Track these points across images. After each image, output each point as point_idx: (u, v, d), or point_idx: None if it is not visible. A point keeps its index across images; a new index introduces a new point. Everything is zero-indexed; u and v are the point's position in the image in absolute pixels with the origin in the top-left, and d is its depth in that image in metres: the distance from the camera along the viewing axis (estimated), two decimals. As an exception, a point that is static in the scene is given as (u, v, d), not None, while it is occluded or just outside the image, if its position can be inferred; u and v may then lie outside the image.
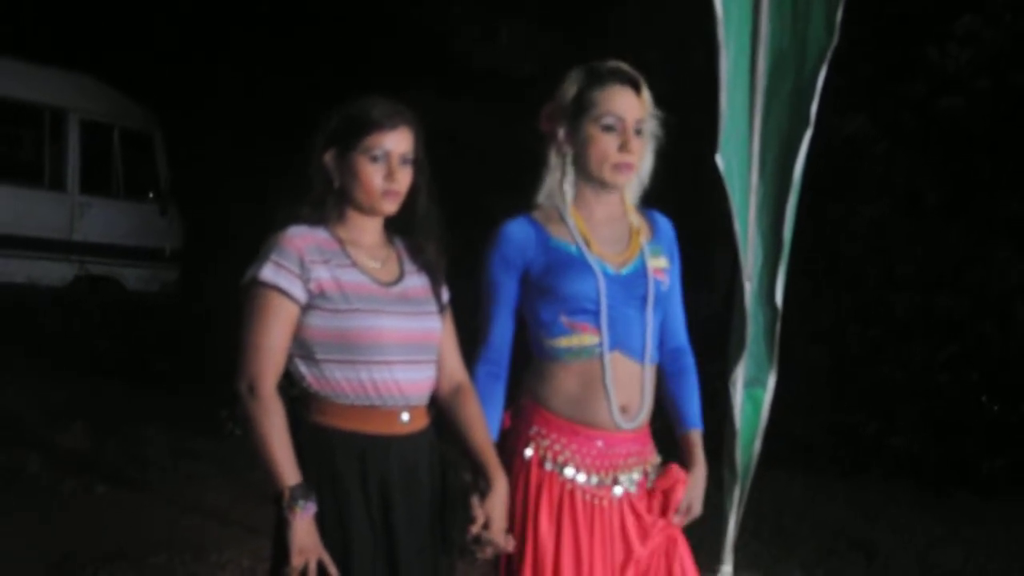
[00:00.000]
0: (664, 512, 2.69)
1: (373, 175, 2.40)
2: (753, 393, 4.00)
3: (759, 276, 3.96)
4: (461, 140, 7.92)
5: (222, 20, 11.71)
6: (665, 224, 2.80)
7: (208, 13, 11.71)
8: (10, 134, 9.91)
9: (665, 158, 2.75)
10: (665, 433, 2.79)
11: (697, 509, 2.77)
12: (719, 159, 3.83)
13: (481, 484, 2.51)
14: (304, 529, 2.31)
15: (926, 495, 7.42)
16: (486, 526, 2.47)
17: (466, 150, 8.06)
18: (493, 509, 2.48)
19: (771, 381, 4.01)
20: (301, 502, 2.30)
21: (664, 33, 7.60)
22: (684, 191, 3.73)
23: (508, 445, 2.64)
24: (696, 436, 2.79)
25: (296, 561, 2.30)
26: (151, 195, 10.75)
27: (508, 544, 2.53)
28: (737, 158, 3.90)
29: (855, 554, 6.01)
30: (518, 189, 2.72)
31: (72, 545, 5.29)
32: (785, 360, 4.07)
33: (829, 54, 3.83)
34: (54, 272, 9.82)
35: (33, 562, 5.03)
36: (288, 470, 2.31)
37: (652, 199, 2.80)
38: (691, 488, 2.73)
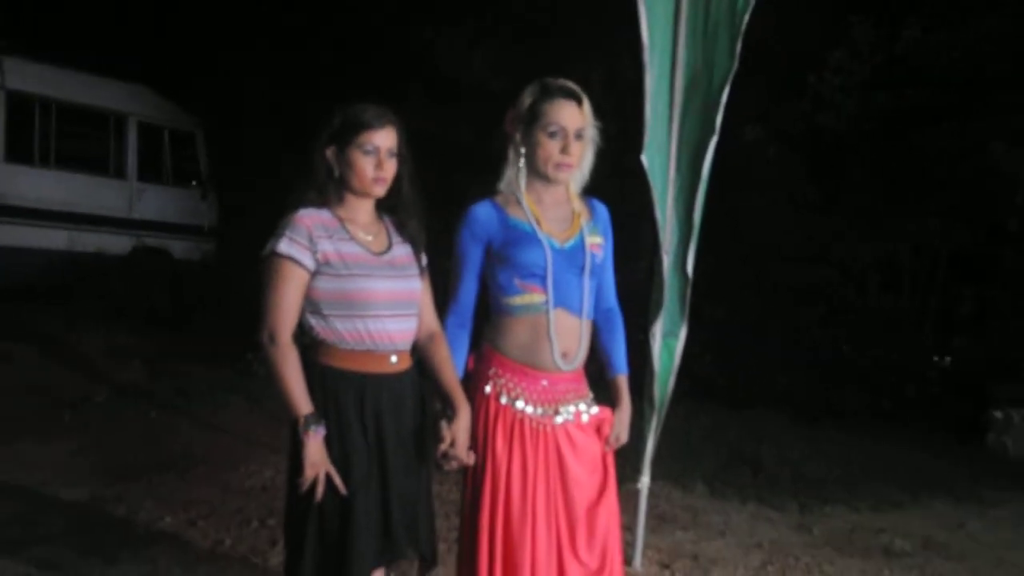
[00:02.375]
0: (599, 437, 2.71)
1: (366, 166, 2.42)
2: (668, 343, 4.02)
3: (674, 251, 3.98)
4: (445, 140, 7.86)
5: (253, 44, 11.64)
6: (602, 209, 2.79)
7: (243, 39, 11.66)
8: (83, 133, 9.83)
9: (604, 156, 2.74)
10: (598, 375, 2.79)
11: (624, 438, 2.77)
12: (643, 158, 3.85)
13: (448, 412, 2.52)
14: (315, 448, 2.32)
15: (800, 423, 7.51)
16: (452, 445, 2.49)
17: (449, 148, 8.01)
18: (458, 432, 2.49)
19: (683, 333, 4.04)
20: (313, 427, 2.33)
21: (604, 57, 7.58)
22: (619, 182, 3.72)
23: (472, 383, 2.65)
24: (623, 380, 2.80)
25: (308, 473, 2.32)
26: (193, 183, 10.70)
27: (469, 459, 2.55)
28: (658, 157, 3.91)
29: (744, 468, 6.08)
30: (489, 181, 2.69)
31: (131, 458, 5.29)
32: (694, 317, 4.09)
33: (731, 76, 3.84)
34: (117, 243, 9.77)
35: (100, 471, 5.03)
36: (302, 402, 2.34)
37: (594, 188, 2.79)
38: (617, 423, 2.75)
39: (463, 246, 2.63)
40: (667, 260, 3.95)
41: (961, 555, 4.78)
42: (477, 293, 2.68)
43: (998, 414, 7.52)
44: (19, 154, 9.07)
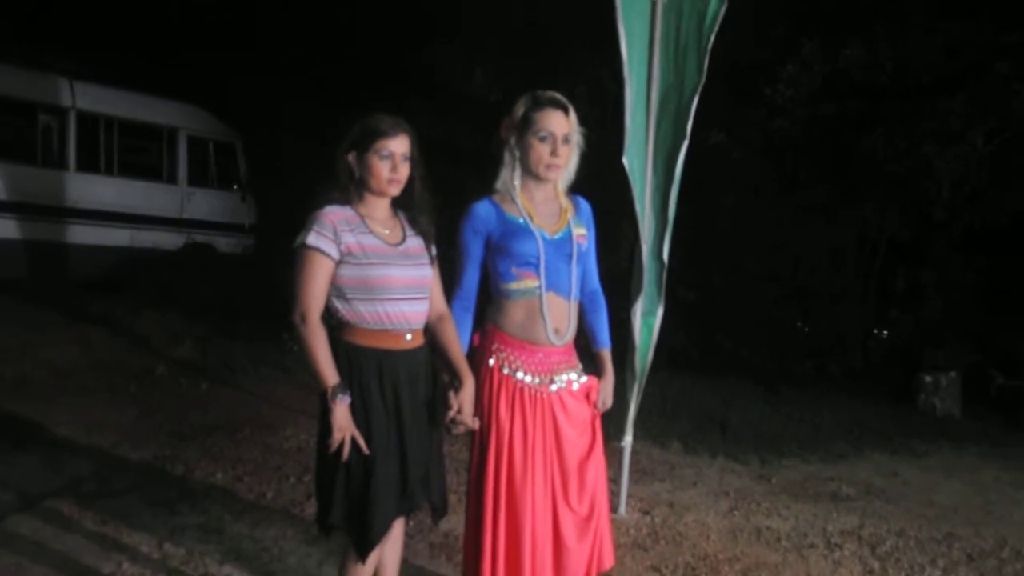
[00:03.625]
0: (588, 402, 2.71)
1: (382, 169, 2.39)
2: (647, 321, 4.00)
3: (652, 241, 3.95)
4: (449, 145, 7.80)
5: (285, 68, 11.63)
6: (585, 205, 2.77)
7: (277, 63, 11.66)
8: (141, 145, 9.79)
9: (589, 159, 2.72)
10: (587, 349, 2.78)
11: (609, 403, 2.77)
12: (625, 160, 3.82)
13: (456, 383, 2.51)
14: (342, 414, 2.31)
15: (760, 388, 7.49)
16: (459, 411, 2.48)
17: (452, 152, 7.95)
18: (464, 400, 2.49)
19: (660, 312, 4.02)
20: (340, 395, 2.31)
21: (588, 72, 7.53)
22: (607, 180, 3.70)
23: (477, 357, 2.63)
24: (606, 353, 2.79)
25: (336, 436, 2.31)
26: (235, 187, 10.63)
27: (474, 424, 2.54)
28: (637, 160, 3.88)
29: (713, 427, 6.08)
30: (487, 181, 2.67)
31: (186, 423, 5.28)
32: (669, 298, 4.07)
33: (699, 88, 3.80)
34: (171, 239, 9.75)
35: (161, 434, 5.02)
36: (330, 374, 2.32)
37: (581, 187, 2.77)
38: (603, 389, 2.74)
39: (466, 239, 2.61)
40: (645, 249, 3.93)
41: (897, 498, 4.79)
42: (479, 280, 2.66)
43: (927, 378, 7.52)
44: (88, 164, 9.08)
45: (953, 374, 7.52)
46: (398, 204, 2.51)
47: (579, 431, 2.66)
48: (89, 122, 9.06)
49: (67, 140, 8.89)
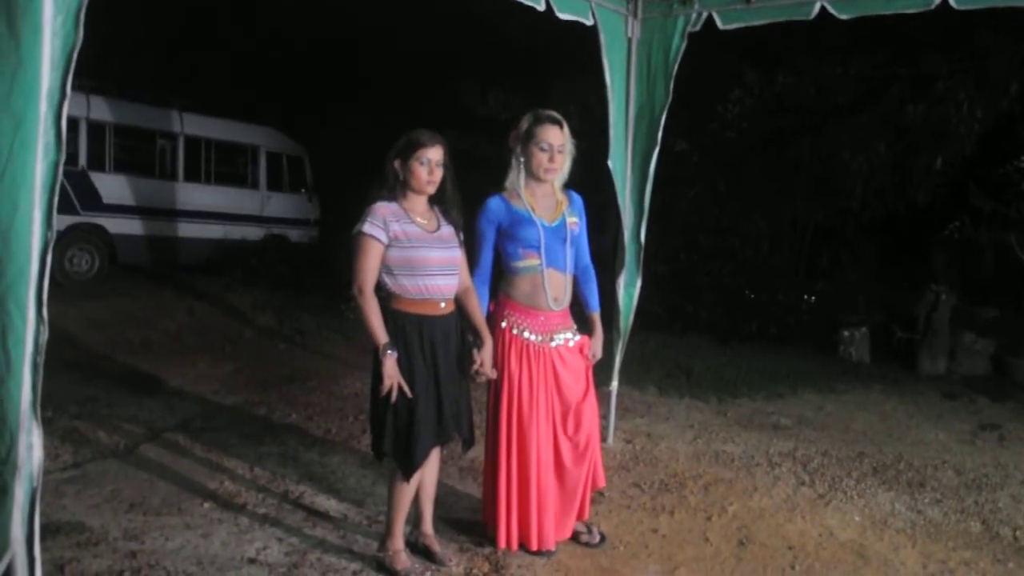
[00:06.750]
0: (582, 355, 2.70)
1: (421, 172, 2.38)
2: (628, 291, 3.98)
3: (631, 226, 3.92)
4: (471, 154, 7.72)
5: (341, 97, 11.55)
6: (577, 198, 2.75)
7: (334, 94, 11.57)
8: (231, 159, 9.77)
9: (581, 163, 2.68)
10: (581, 313, 2.76)
11: (599, 356, 2.77)
12: (610, 163, 3.79)
13: (477, 342, 2.51)
14: (391, 365, 2.31)
15: (718, 343, 7.44)
16: (481, 364, 2.48)
17: (473, 159, 7.90)
18: (484, 355, 2.49)
19: (638, 284, 3.99)
20: (389, 351, 2.30)
21: (579, 96, 7.45)
22: (595, 179, 3.66)
23: (492, 321, 2.62)
24: (596, 316, 2.78)
25: (386, 383, 2.31)
26: (302, 190, 10.62)
27: (492, 374, 2.54)
28: (619, 163, 3.84)
29: (681, 374, 6.04)
30: (498, 181, 2.65)
31: (268, 375, 5.28)
32: (646, 272, 4.04)
33: (666, 107, 3.76)
34: (255, 232, 9.74)
35: (248, 383, 5.03)
36: (381, 334, 2.31)
37: (577, 184, 2.74)
38: (594, 345, 2.74)
39: (482, 228, 2.60)
40: (627, 233, 3.89)
41: (822, 426, 4.76)
42: (493, 260, 2.64)
43: (845, 333, 7.45)
44: (192, 175, 9.14)
45: (864, 329, 7.45)
46: (433, 200, 2.49)
47: (574, 378, 2.64)
48: (193, 143, 9.15)
49: (177, 157, 9.00)
